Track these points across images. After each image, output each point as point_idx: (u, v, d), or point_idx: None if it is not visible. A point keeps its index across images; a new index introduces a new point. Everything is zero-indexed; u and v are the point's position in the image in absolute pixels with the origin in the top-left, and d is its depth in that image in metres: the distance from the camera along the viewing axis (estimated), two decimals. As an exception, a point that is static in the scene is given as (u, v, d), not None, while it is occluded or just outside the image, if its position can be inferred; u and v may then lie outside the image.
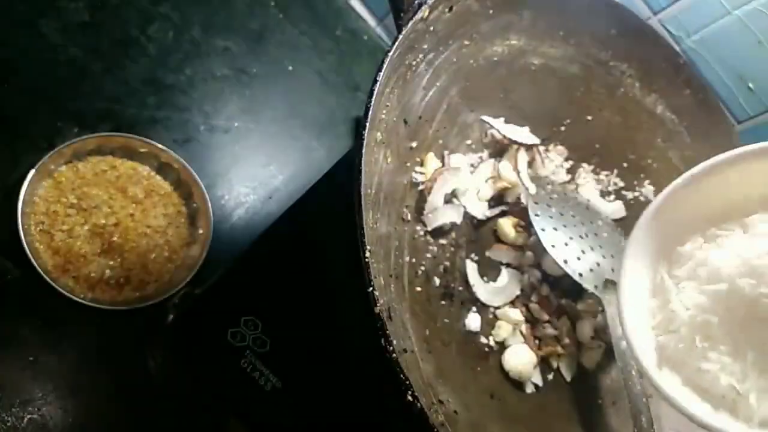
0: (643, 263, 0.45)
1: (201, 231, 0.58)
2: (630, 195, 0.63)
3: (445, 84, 0.55)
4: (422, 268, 0.50)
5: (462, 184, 0.55)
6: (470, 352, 0.50)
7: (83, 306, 0.52)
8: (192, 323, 0.55)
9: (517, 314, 0.53)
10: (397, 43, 0.45)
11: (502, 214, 0.59)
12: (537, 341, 0.55)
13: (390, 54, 0.44)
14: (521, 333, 0.54)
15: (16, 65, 0.59)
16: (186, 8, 0.70)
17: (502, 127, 0.58)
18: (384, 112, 0.46)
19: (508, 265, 0.55)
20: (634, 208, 0.61)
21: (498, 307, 0.53)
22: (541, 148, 0.59)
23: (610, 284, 0.50)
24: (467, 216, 0.54)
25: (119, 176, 0.57)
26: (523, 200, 0.59)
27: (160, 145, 0.58)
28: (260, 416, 0.52)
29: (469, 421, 0.46)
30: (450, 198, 0.54)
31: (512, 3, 0.56)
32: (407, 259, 0.49)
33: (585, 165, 0.63)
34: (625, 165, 0.63)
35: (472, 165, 0.59)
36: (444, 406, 0.43)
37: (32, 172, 0.52)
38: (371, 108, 0.41)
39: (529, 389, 0.53)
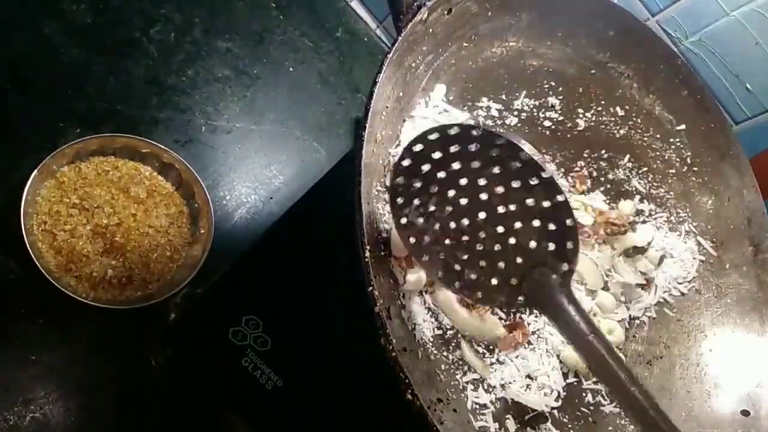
0: None
1: (202, 231, 0.59)
2: (627, 195, 0.63)
3: (445, 85, 0.55)
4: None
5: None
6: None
7: (85, 305, 0.52)
8: (194, 322, 0.56)
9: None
10: (396, 45, 0.45)
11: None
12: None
13: (389, 56, 0.44)
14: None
15: (18, 66, 0.60)
16: (187, 10, 0.70)
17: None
18: (384, 113, 0.46)
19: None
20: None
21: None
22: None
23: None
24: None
25: (121, 176, 0.57)
26: None
27: (161, 146, 0.59)
28: (261, 415, 0.52)
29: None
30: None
31: (510, 5, 0.57)
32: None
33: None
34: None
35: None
36: (443, 404, 0.44)
37: (35, 172, 0.52)
38: (371, 109, 0.42)
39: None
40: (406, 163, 0.39)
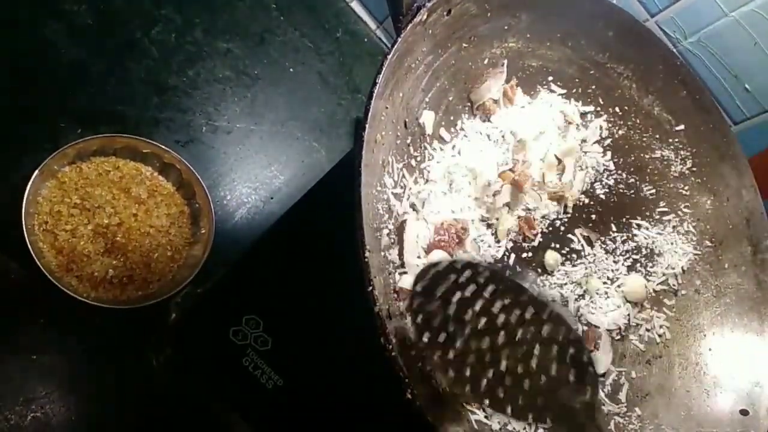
0: None
1: (203, 231, 0.59)
2: (627, 196, 0.64)
3: (444, 86, 0.56)
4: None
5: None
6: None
7: (86, 305, 0.52)
8: (194, 322, 0.56)
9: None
10: (396, 46, 0.45)
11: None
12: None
13: (389, 57, 0.44)
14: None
15: (20, 67, 0.60)
16: (188, 11, 0.70)
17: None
18: (384, 113, 0.46)
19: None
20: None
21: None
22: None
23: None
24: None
25: (122, 177, 0.57)
26: None
27: (162, 146, 0.59)
28: (262, 414, 0.52)
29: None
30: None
31: (510, 6, 0.57)
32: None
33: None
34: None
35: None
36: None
37: (36, 172, 0.52)
38: (371, 109, 0.42)
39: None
40: (422, 285, 0.41)
